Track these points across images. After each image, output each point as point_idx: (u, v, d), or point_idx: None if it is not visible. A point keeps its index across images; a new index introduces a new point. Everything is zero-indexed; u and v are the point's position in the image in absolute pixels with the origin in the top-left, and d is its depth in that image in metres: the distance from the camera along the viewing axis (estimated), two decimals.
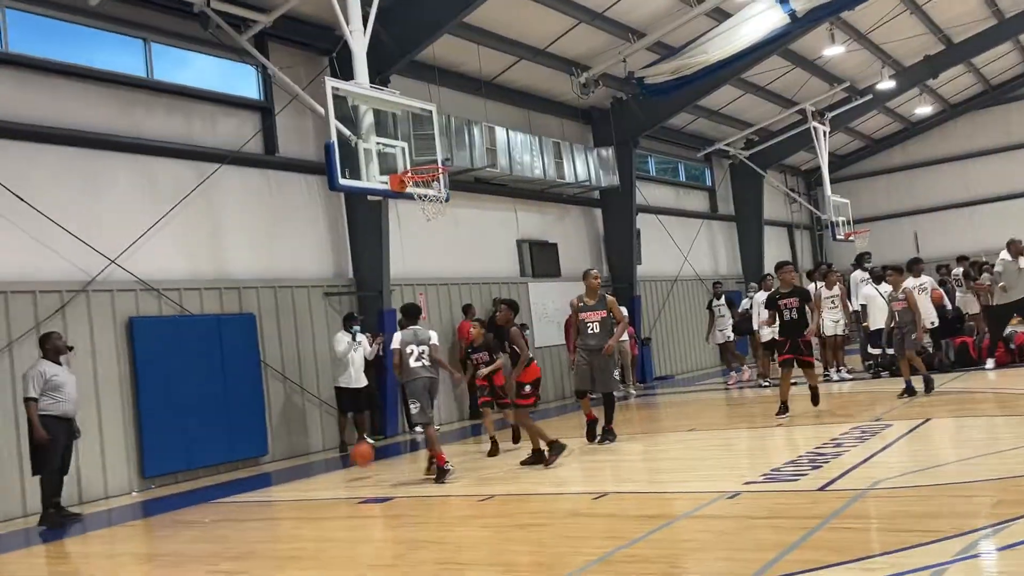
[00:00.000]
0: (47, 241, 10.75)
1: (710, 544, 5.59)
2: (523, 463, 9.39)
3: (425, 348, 9.22)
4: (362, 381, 13.11)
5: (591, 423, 10.65)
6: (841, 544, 5.20)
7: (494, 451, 10.60)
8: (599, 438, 10.53)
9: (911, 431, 9.10)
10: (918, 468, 7.07)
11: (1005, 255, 14.25)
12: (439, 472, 8.98)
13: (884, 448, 8.22)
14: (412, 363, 9.15)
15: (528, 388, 9.62)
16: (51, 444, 9.04)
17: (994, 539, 4.95)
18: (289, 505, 9.29)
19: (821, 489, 6.73)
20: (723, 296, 17.76)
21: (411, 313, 9.61)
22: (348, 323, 13.14)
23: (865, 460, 7.69)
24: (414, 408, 9.10)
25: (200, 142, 12.77)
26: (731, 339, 17.65)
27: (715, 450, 9.80)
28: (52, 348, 9.39)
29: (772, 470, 7.69)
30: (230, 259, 12.96)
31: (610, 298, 10.69)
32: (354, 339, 13.01)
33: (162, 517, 9.18)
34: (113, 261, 11.32)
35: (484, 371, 10.78)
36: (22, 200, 10.47)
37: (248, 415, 12.53)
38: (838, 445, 8.64)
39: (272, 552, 6.75)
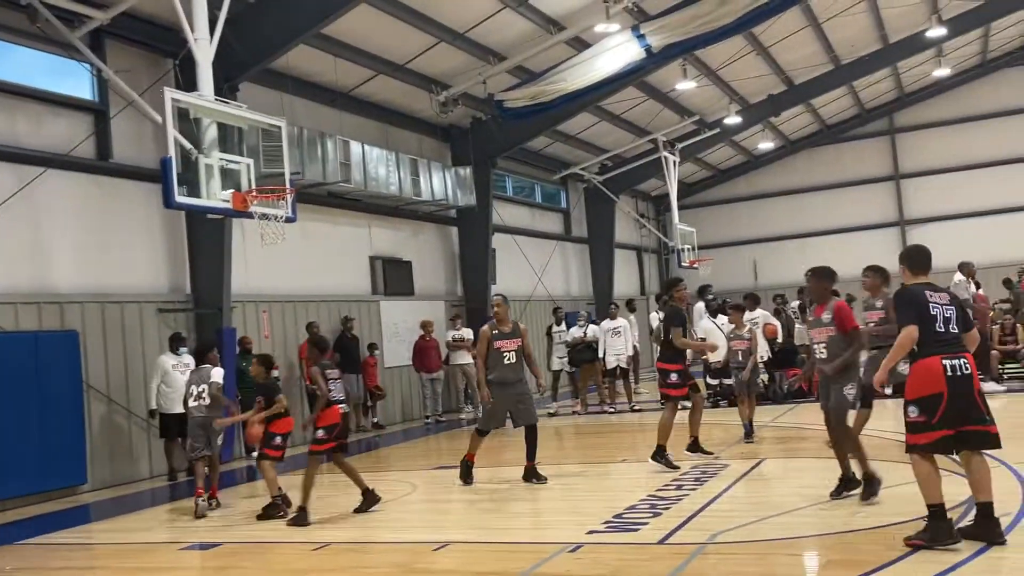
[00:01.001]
0: None
1: None
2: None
3: (204, 387, 9.62)
4: (182, 406, 12.33)
5: (469, 464, 10.02)
6: None
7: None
8: (527, 478, 9.71)
9: (747, 473, 9.32)
10: (754, 519, 7.17)
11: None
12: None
13: (721, 493, 8.36)
14: (191, 403, 9.71)
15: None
16: None
17: None
18: (104, 550, 8.57)
19: (661, 542, 6.73)
20: (563, 322, 17.81)
21: (200, 351, 10.16)
22: (174, 344, 12.35)
23: (704, 507, 7.78)
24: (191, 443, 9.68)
25: (24, 143, 11.74)
26: (569, 369, 17.51)
27: (559, 489, 9.74)
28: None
29: (614, 516, 7.66)
30: (53, 271, 11.97)
31: (523, 326, 10.10)
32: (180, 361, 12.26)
33: None
34: None
35: (256, 416, 9.10)
36: None
37: (66, 440, 11.54)
38: (679, 487, 8.75)
39: None
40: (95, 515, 10.52)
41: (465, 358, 17.93)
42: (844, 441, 7.58)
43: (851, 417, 7.86)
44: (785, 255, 30.79)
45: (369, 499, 8.80)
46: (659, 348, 10.75)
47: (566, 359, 17.32)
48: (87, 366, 12.05)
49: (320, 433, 8.64)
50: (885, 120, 30.43)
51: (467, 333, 18.26)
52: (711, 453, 10.35)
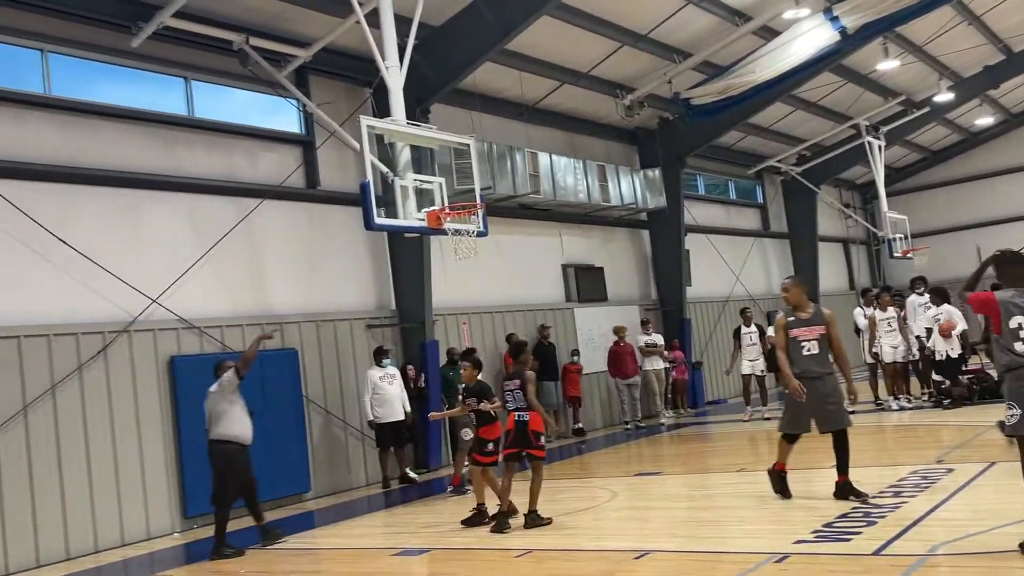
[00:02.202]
0: (89, 282, 10.80)
1: None
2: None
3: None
4: (399, 415, 12.94)
5: (781, 475, 8.73)
6: None
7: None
8: (841, 495, 8.20)
9: (975, 478, 8.61)
10: (983, 529, 6.62)
11: None
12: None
13: (945, 500, 7.77)
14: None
15: (491, 446, 8.97)
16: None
17: None
18: (328, 555, 9.14)
19: (876, 553, 6.33)
20: (752, 323, 16.94)
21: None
22: (378, 357, 13.01)
23: (925, 515, 7.27)
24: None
25: (241, 178, 12.77)
26: (761, 372, 16.42)
27: (765, 497, 9.38)
28: None
29: (824, 525, 7.30)
30: (272, 294, 12.93)
31: (827, 311, 8.59)
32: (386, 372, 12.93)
33: (199, 566, 9.09)
34: (155, 300, 11.34)
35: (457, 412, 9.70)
36: (64, 242, 10.54)
37: (291, 451, 12.45)
38: (896, 494, 8.22)
39: None
40: (318, 521, 11.23)
41: (657, 363, 17.71)
42: None
43: None
44: (1014, 238, 28.13)
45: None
46: None
47: (758, 362, 16.36)
48: (306, 381, 12.91)
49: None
50: None
51: (658, 339, 18.03)
52: None
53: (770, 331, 15.47)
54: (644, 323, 18.26)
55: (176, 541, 10.65)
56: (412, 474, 13.36)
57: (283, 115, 13.53)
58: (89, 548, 10.25)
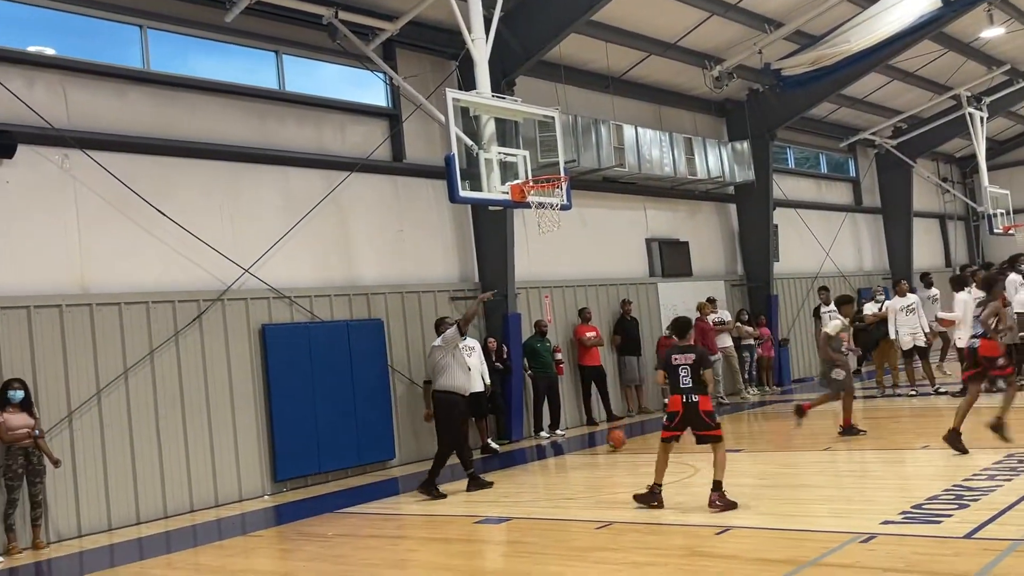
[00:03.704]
0: (185, 252, 11.19)
1: None
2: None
3: None
4: (478, 386, 13.05)
5: None
6: None
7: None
8: None
9: None
10: None
11: None
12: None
13: None
14: None
15: (666, 419, 8.33)
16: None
17: None
18: (409, 521, 9.33)
19: (968, 536, 6.17)
20: (832, 302, 16.44)
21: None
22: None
23: (1020, 500, 7.02)
24: None
25: (330, 151, 13.01)
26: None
27: (851, 476, 9.22)
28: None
29: (913, 507, 7.13)
30: (359, 265, 13.18)
31: None
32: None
33: (288, 527, 9.41)
34: (247, 270, 11.69)
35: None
36: (162, 213, 10.94)
37: (376, 419, 12.73)
38: (990, 477, 7.96)
39: None
40: (402, 488, 11.47)
41: (726, 341, 17.41)
42: None
43: None
44: None
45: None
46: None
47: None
48: (391, 351, 13.16)
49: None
50: None
51: (726, 315, 17.72)
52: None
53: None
54: (711, 300, 17.85)
55: (266, 503, 11.03)
56: (494, 444, 13.52)
57: (370, 88, 13.71)
58: (185, 507, 10.71)
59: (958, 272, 17.22)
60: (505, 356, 14.08)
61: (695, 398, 7.98)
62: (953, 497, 7.32)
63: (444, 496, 9.88)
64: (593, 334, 15.66)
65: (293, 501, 10.93)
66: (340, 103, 13.31)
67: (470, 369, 12.85)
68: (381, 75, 13.31)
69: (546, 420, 14.81)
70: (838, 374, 11.45)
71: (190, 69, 11.78)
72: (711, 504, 7.82)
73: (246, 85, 12.25)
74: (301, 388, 11.88)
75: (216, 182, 11.70)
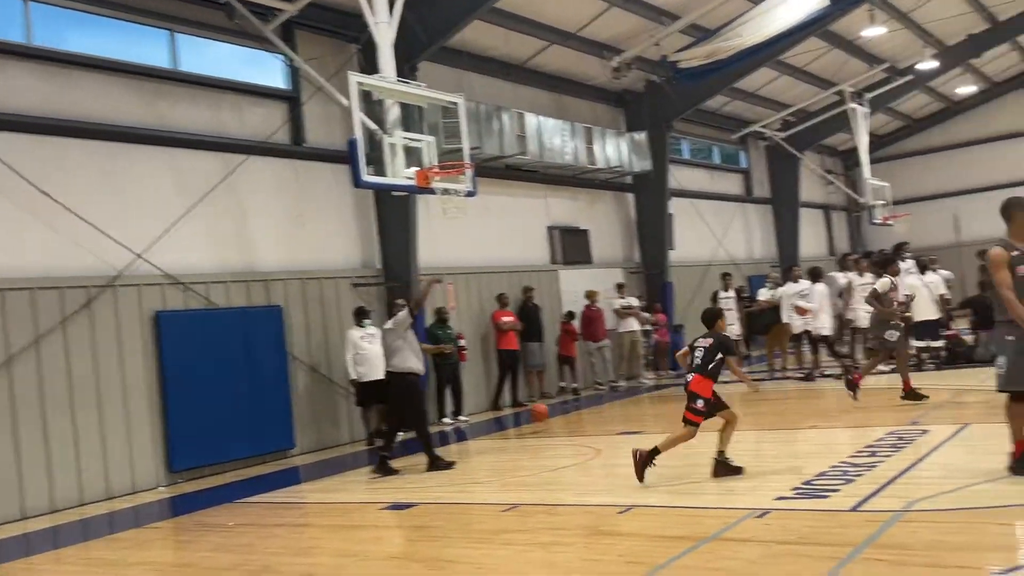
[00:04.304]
0: (73, 236, 10.74)
1: (737, 575, 5.41)
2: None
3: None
4: (379, 374, 13.01)
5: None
6: None
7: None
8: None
9: (949, 439, 8.82)
10: (956, 487, 6.80)
11: None
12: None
13: (920, 460, 7.97)
14: None
15: (701, 402, 8.10)
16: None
17: None
18: (314, 509, 9.25)
19: (853, 509, 6.50)
20: (731, 288, 17.17)
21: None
22: (359, 317, 13.07)
23: (900, 474, 7.45)
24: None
25: (227, 133, 12.68)
26: (737, 336, 16.70)
27: (746, 456, 9.52)
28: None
29: (803, 483, 7.47)
30: (257, 251, 12.90)
31: None
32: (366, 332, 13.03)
33: (186, 518, 9.18)
34: (139, 255, 11.30)
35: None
36: (47, 196, 10.46)
37: (275, 408, 12.51)
38: (872, 453, 8.40)
39: (289, 568, 6.66)
40: (303, 476, 11.33)
41: (632, 325, 17.85)
42: None
43: None
44: (992, 207, 28.18)
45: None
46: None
47: (734, 326, 16.60)
48: (291, 338, 12.94)
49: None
50: None
51: (634, 301, 18.17)
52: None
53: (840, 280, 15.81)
54: (620, 286, 18.33)
55: (161, 495, 10.73)
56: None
57: (269, 70, 13.41)
58: (74, 501, 10.30)
59: (840, 259, 18.16)
60: None
61: (690, 377, 8.15)
62: (840, 473, 7.69)
63: (397, 472, 10.01)
64: (510, 319, 15.80)
65: (190, 492, 10.66)
66: (237, 84, 12.97)
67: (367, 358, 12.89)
68: (281, 57, 13.03)
69: (449, 407, 14.84)
70: (891, 335, 11.54)
71: (76, 45, 11.28)
72: (713, 473, 8.07)
73: (136, 63, 11.81)
74: (197, 377, 11.57)
75: (105, 163, 11.25)
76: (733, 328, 16.67)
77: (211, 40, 12.74)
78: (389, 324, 10.53)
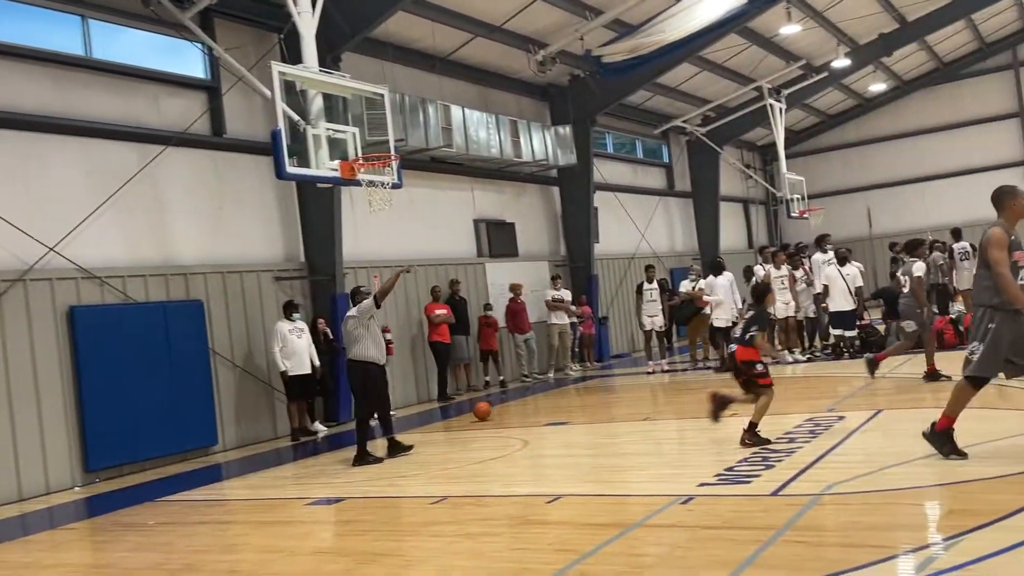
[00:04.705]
0: None
1: (663, 560, 5.52)
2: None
3: None
4: (307, 368, 12.91)
5: (950, 433, 6.99)
6: (793, 561, 5.15)
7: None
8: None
9: (863, 425, 9.13)
10: (870, 470, 7.06)
11: None
12: None
13: (836, 445, 8.23)
14: None
15: (760, 367, 8.75)
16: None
17: (948, 555, 4.91)
18: (238, 506, 9.09)
19: (774, 494, 6.69)
20: (655, 280, 17.44)
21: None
22: (288, 311, 12.93)
23: (818, 459, 7.68)
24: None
25: (144, 123, 12.33)
26: (661, 327, 17.09)
27: (670, 444, 9.78)
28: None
29: (726, 469, 7.65)
30: (176, 244, 12.59)
31: None
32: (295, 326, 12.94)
33: (104, 518, 8.92)
34: (52, 249, 10.91)
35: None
36: None
37: (197, 404, 12.24)
38: (791, 440, 8.64)
39: (213, 566, 6.54)
40: (227, 473, 11.13)
41: (562, 318, 18.01)
42: None
43: None
44: (903, 201, 29.64)
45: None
46: None
47: (657, 317, 16.95)
48: (212, 333, 12.67)
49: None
50: (1008, 53, 28.71)
51: (566, 294, 18.33)
52: None
53: (719, 280, 16.03)
54: (554, 279, 18.52)
55: (77, 495, 10.40)
56: (315, 427, 13.38)
57: (187, 59, 13.07)
58: None
59: (759, 251, 18.64)
60: (331, 338, 13.89)
61: (733, 348, 9.02)
62: (760, 459, 7.90)
63: (380, 460, 9.99)
64: (444, 311, 15.75)
65: (108, 492, 10.36)
66: (154, 73, 12.62)
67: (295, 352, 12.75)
68: (199, 45, 12.73)
69: None
70: (908, 325, 11.77)
71: None
72: (741, 442, 8.48)
73: (46, 50, 11.38)
74: (114, 374, 11.24)
75: (13, 153, 10.82)
76: (657, 319, 16.99)
77: (126, 27, 12.36)
78: (353, 311, 10.42)
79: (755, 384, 8.74)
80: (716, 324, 15.97)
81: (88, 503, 9.93)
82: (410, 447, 10.39)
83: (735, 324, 16.42)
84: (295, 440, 12.91)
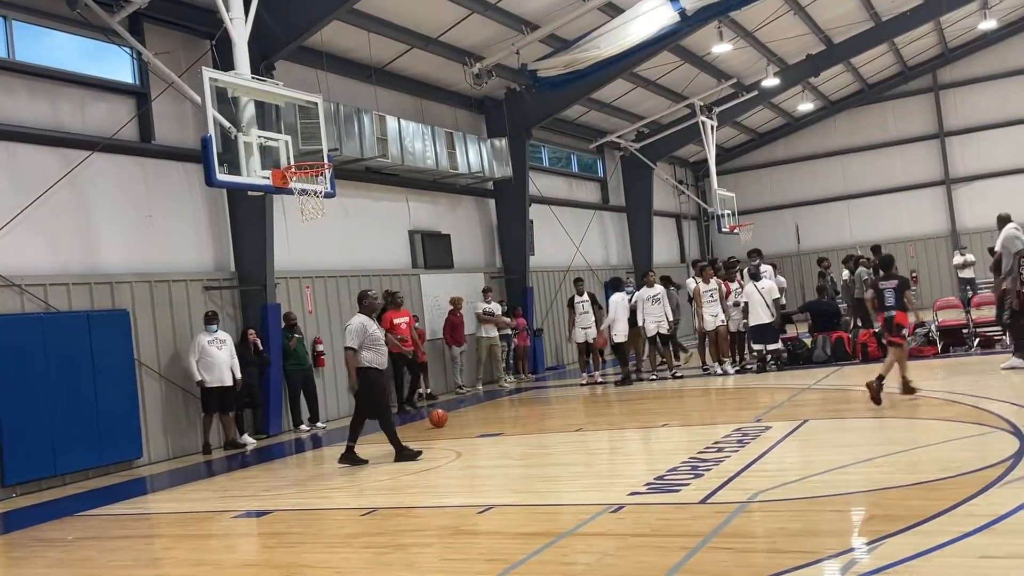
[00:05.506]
0: None
1: (593, 568, 5.55)
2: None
3: None
4: (227, 380, 12.68)
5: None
6: (721, 567, 5.23)
7: None
8: None
9: (789, 434, 9.33)
10: (795, 478, 7.21)
11: None
12: None
13: (763, 454, 8.39)
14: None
15: (904, 331, 10.69)
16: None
17: (870, 559, 5.05)
18: (161, 519, 8.86)
19: (702, 502, 6.79)
20: (585, 293, 17.52)
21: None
22: (207, 321, 12.73)
23: (745, 468, 7.82)
24: None
25: (68, 128, 12.01)
26: (592, 340, 17.10)
27: (601, 454, 9.84)
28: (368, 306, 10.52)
29: (655, 478, 7.74)
30: (101, 252, 12.28)
31: None
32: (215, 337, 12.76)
33: (20, 534, 8.61)
34: None
35: None
36: None
37: (121, 416, 11.90)
38: (719, 449, 8.79)
39: None
40: (151, 487, 10.85)
41: (491, 331, 18.05)
42: None
43: None
44: (829, 217, 30.49)
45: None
46: None
47: (591, 329, 16.97)
48: (138, 343, 12.37)
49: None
50: (928, 77, 29.79)
51: (496, 308, 18.37)
52: None
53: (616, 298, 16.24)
54: (486, 291, 18.54)
55: None
56: (243, 439, 13.12)
57: (115, 63, 12.79)
58: None
59: (693, 264, 18.93)
60: (261, 349, 13.67)
61: (893, 312, 10.48)
62: (690, 468, 8.02)
63: (365, 462, 10.13)
64: (405, 320, 15.56)
65: (25, 506, 10.01)
66: (80, 77, 12.32)
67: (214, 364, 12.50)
68: (128, 50, 12.46)
69: (306, 413, 14.55)
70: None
71: None
72: (868, 385, 10.10)
73: None
74: (33, 385, 10.88)
75: None
76: (591, 331, 17.07)
77: (52, 30, 12.04)
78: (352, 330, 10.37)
79: (892, 343, 10.41)
80: (616, 340, 16.21)
81: (4, 518, 9.57)
82: (365, 461, 10.26)
83: (670, 333, 16.67)
84: (206, 453, 12.67)
